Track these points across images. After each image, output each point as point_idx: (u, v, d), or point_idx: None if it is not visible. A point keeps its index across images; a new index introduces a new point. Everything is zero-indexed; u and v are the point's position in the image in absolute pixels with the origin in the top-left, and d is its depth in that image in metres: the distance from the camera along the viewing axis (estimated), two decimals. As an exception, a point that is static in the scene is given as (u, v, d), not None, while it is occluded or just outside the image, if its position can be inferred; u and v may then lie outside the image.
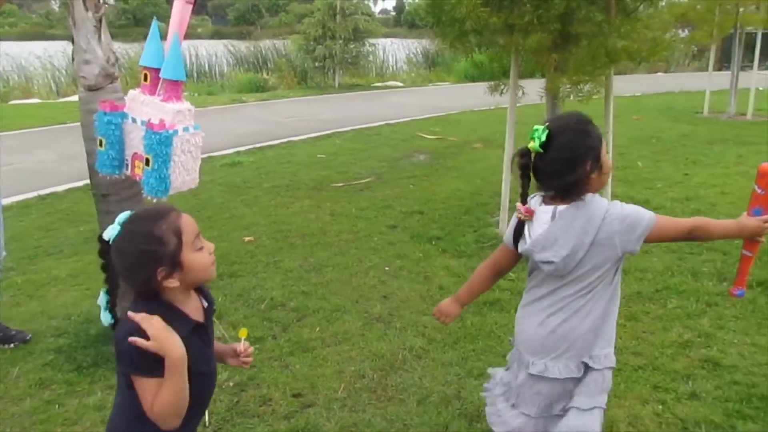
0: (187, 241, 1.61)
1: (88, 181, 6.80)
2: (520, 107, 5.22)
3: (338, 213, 5.88)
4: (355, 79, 18.57)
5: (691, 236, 2.02)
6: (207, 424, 2.85)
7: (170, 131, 2.36)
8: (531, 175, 1.92)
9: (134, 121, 2.50)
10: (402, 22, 70.16)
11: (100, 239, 1.64)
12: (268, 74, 19.69)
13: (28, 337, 3.57)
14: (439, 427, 2.83)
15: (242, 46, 22.64)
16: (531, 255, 1.96)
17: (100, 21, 3.03)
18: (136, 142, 2.51)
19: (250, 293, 4.21)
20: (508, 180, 5.05)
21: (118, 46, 3.53)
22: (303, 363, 3.34)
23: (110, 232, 1.60)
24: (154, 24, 2.52)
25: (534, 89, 5.13)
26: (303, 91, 16.83)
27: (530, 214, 1.94)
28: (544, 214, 1.93)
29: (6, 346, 3.50)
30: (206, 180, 7.07)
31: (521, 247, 1.99)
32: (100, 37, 3.03)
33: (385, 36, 22.36)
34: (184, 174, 2.46)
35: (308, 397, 3.07)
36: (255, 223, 5.70)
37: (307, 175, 7.40)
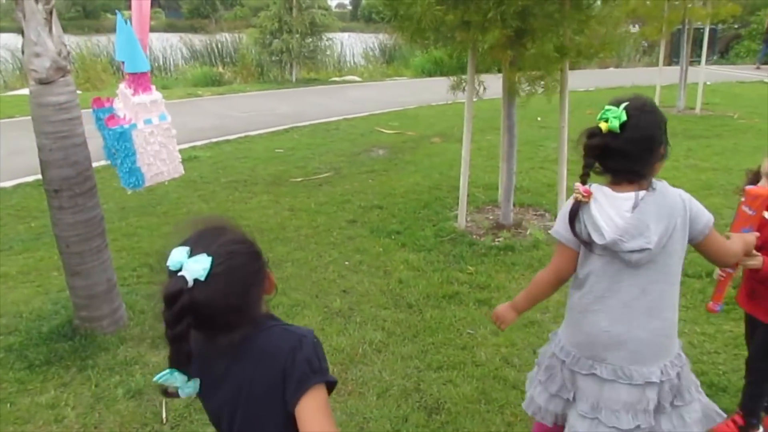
0: None
1: (37, 177, 6.68)
2: (477, 102, 5.28)
3: (297, 208, 5.85)
4: (312, 73, 18.43)
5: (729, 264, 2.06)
6: (164, 420, 2.82)
7: (125, 126, 2.35)
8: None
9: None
10: (359, 16, 70.02)
11: (178, 294, 1.26)
12: (223, 68, 19.41)
13: None
14: (399, 420, 2.86)
15: (197, 40, 22.25)
16: (617, 246, 1.82)
17: (50, 13, 2.95)
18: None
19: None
20: (466, 174, 5.10)
21: (69, 39, 3.46)
22: (263, 358, 3.33)
23: (199, 267, 1.28)
24: (120, 16, 2.49)
25: (494, 84, 5.19)
26: (259, 85, 16.64)
27: (589, 195, 1.84)
28: (623, 201, 1.84)
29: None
30: (161, 175, 6.95)
31: (600, 241, 1.84)
32: (50, 29, 2.95)
33: (342, 30, 22.18)
34: (159, 164, 2.47)
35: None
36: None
37: (265, 170, 7.33)
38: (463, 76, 5.15)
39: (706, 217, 1.88)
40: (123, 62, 2.47)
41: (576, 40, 4.32)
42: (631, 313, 1.89)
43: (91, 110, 2.47)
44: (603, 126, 1.81)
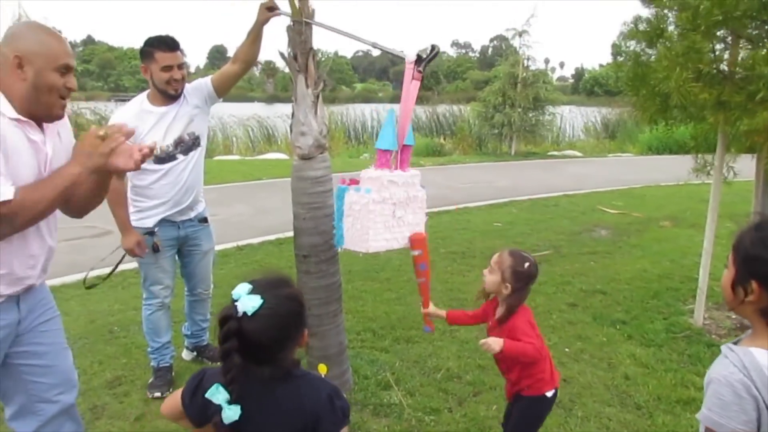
0: None
1: (279, 236, 7.41)
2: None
3: (515, 285, 5.76)
4: (530, 146, 18.45)
5: None
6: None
7: (343, 186, 2.64)
8: None
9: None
10: (580, 90, 69.22)
11: (228, 318, 1.58)
12: (444, 139, 20.19)
13: None
14: None
15: (421, 111, 23.49)
16: None
17: (317, 97, 3.30)
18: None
19: (426, 361, 4.23)
20: (707, 265, 4.68)
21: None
22: (480, 442, 3.27)
23: (251, 304, 1.58)
24: (391, 113, 2.85)
25: (741, 166, 4.78)
26: (478, 157, 17.01)
27: None
28: None
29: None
30: (385, 241, 7.31)
31: None
32: (316, 111, 3.29)
33: (564, 104, 22.06)
34: (361, 233, 2.68)
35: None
36: (431, 288, 5.73)
37: (483, 243, 7.38)
38: (707, 157, 4.80)
39: None
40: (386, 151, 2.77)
41: None
42: None
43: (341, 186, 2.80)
44: None
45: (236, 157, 17.30)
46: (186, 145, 3.64)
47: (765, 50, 3.75)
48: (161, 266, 3.72)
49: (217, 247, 7.01)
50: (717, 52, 4.18)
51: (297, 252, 3.51)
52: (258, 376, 1.63)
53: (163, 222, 3.69)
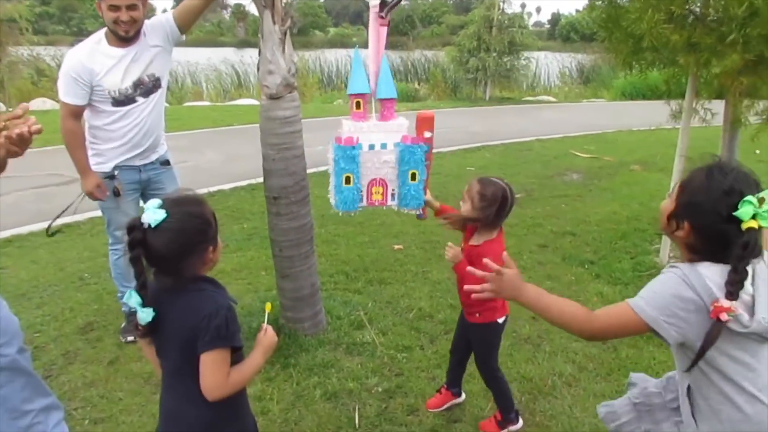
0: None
1: (250, 181, 7.35)
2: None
3: (487, 228, 5.82)
4: (505, 92, 18.36)
5: None
6: (357, 426, 2.93)
7: (422, 144, 2.55)
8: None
9: (371, 147, 2.60)
10: (556, 36, 68.62)
11: (133, 228, 1.67)
12: (419, 84, 19.99)
13: None
14: (591, 462, 2.72)
15: (395, 56, 23.16)
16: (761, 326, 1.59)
17: (285, 34, 3.22)
18: (374, 169, 2.63)
19: (398, 301, 4.28)
20: (672, 207, 4.76)
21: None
22: (450, 377, 3.35)
23: (153, 217, 1.67)
24: (357, 53, 2.65)
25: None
26: (453, 102, 16.91)
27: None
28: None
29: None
30: (359, 186, 7.29)
31: (749, 329, 1.58)
32: (284, 49, 3.22)
33: (539, 49, 21.91)
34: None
35: (455, 413, 3.07)
36: (404, 231, 5.79)
37: (456, 187, 7.39)
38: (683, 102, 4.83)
39: None
40: (362, 95, 2.61)
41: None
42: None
43: (344, 148, 2.58)
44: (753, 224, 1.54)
45: (207, 104, 16.97)
46: (146, 87, 3.52)
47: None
48: (124, 210, 3.64)
49: (189, 194, 6.99)
50: (688, -6, 4.16)
51: (267, 194, 3.48)
52: (164, 285, 1.76)
53: (123, 166, 3.60)
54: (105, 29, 3.45)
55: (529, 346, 3.71)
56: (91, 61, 3.34)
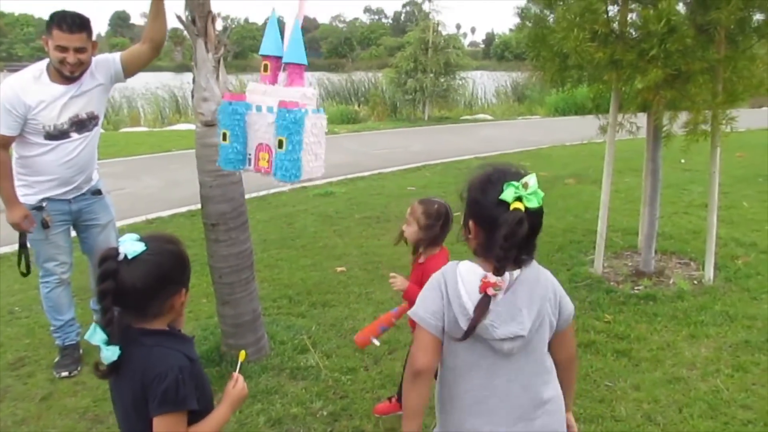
0: None
1: (190, 207, 7.24)
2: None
3: (429, 246, 5.89)
4: (443, 111, 18.68)
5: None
6: (302, 452, 2.91)
7: (302, 110, 2.26)
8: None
9: (259, 110, 2.34)
10: (491, 55, 70.41)
11: (106, 258, 1.58)
12: (359, 106, 20.13)
13: None
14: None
15: (335, 79, 23.28)
16: (488, 333, 1.71)
17: (218, 61, 3.23)
18: (261, 132, 2.35)
19: (342, 323, 4.29)
20: (605, 217, 4.94)
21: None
22: (395, 397, 3.37)
23: (132, 248, 1.58)
24: (273, 14, 2.48)
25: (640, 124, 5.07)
26: (393, 123, 17.09)
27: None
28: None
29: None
30: (300, 209, 7.29)
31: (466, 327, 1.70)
32: (218, 76, 3.22)
33: (475, 69, 22.41)
34: (312, 159, 2.37)
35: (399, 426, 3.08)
36: (347, 253, 5.81)
37: (398, 207, 7.46)
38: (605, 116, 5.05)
39: (570, 308, 1.88)
40: (272, 57, 2.40)
41: (733, 81, 4.12)
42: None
43: (224, 104, 2.37)
44: (533, 204, 1.66)
45: (144, 129, 16.65)
46: (81, 123, 3.46)
47: (653, 9, 3.94)
48: (53, 242, 3.55)
49: (126, 221, 6.82)
50: (610, 13, 4.36)
51: (205, 220, 3.46)
52: (123, 324, 1.64)
53: (52, 198, 3.50)
54: (47, 61, 3.38)
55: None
56: (27, 95, 3.26)
